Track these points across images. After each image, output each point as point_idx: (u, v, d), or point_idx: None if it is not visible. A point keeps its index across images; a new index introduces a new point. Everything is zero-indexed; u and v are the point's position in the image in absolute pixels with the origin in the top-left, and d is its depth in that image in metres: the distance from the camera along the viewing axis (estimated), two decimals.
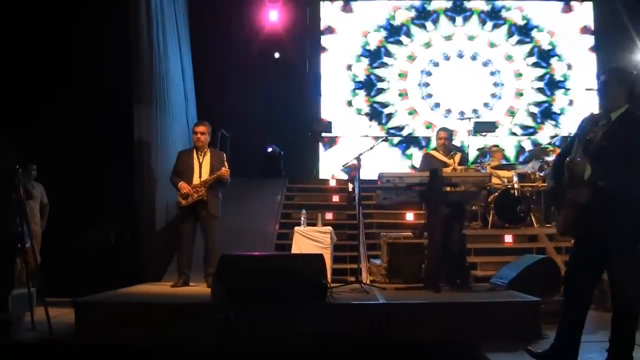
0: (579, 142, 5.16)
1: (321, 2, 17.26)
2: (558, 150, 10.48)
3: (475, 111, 16.83)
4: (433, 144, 12.75)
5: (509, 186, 11.93)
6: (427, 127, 16.82)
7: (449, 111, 16.97)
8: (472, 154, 13.25)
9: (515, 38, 17.44)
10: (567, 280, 5.34)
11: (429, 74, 17.24)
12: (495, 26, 17.43)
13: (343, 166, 10.41)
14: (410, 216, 12.24)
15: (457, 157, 9.18)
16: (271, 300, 6.72)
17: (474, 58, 17.31)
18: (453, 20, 17.47)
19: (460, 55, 17.31)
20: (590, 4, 17.66)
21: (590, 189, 4.99)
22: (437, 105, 17.08)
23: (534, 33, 17.50)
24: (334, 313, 6.89)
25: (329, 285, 7.18)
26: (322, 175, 15.91)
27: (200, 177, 9.20)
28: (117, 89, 10.25)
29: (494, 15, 17.52)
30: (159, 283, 9.69)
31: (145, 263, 10.10)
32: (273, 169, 15.24)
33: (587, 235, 5.13)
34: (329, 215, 12.06)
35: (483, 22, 17.46)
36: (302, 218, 10.18)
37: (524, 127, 17.06)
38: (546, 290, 7.94)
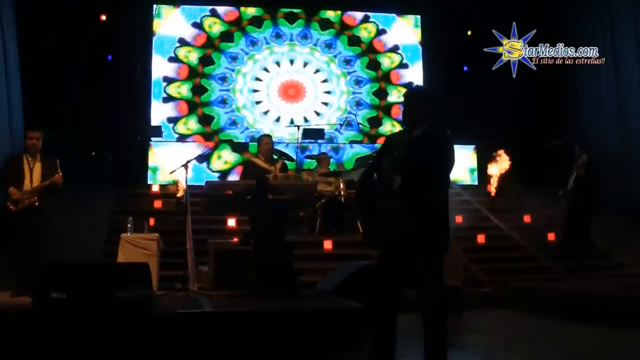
0: (385, 156, 5.39)
1: (155, 6, 17.03)
2: None
3: (306, 120, 17.04)
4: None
5: (336, 193, 12.16)
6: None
7: (278, 120, 17.11)
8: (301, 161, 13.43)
9: (346, 47, 17.83)
10: (375, 290, 5.52)
11: (258, 79, 17.34)
12: (326, 33, 17.78)
13: (171, 173, 10.33)
14: (232, 222, 12.20)
15: (279, 164, 9.33)
16: (94, 311, 6.59)
17: (305, 64, 17.56)
18: (287, 26, 17.68)
19: (292, 61, 17.52)
20: (418, 17, 18.29)
21: (399, 200, 5.21)
22: (266, 112, 17.17)
23: (366, 43, 17.96)
24: (159, 323, 6.83)
25: (154, 294, 7.13)
26: (151, 181, 15.68)
27: (31, 183, 8.95)
28: None
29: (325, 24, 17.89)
30: None
31: None
32: (102, 175, 14.94)
33: (394, 245, 5.32)
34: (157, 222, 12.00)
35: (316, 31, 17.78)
36: (129, 225, 10.06)
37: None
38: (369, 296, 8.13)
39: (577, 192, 12.47)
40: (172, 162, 11.94)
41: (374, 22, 18.15)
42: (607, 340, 7.80)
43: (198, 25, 17.25)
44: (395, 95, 17.57)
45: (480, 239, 12.99)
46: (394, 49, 18.09)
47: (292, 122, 16.58)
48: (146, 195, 14.37)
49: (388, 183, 5.30)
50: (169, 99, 16.75)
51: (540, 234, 13.37)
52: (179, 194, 12.74)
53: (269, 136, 9.80)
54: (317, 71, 17.60)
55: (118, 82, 15.57)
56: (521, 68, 14.06)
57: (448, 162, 5.45)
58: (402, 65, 18.04)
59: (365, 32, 18.04)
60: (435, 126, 5.50)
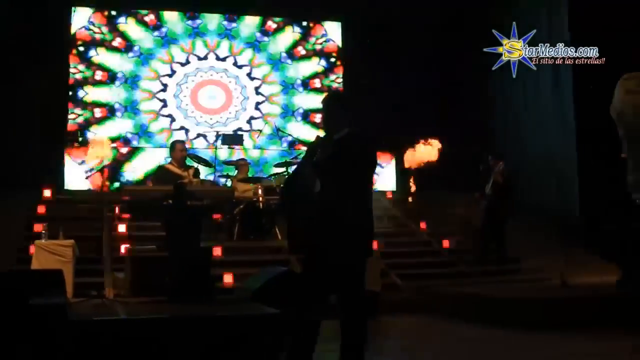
0: (307, 162, 5.40)
1: (74, 8, 16.76)
2: None
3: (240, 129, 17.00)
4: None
5: (255, 199, 12.16)
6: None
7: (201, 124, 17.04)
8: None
9: (267, 53, 17.85)
10: (299, 295, 5.51)
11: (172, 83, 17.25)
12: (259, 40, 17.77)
13: (86, 178, 10.21)
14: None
15: (192, 170, 9.31)
16: (6, 319, 6.45)
17: (229, 68, 17.52)
18: (207, 30, 17.62)
19: (213, 64, 17.46)
20: (339, 23, 18.39)
21: (318, 205, 5.23)
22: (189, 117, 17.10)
23: (284, 49, 18.00)
24: (74, 330, 6.72)
25: (68, 301, 7.02)
26: (69, 186, 15.42)
27: None
28: None
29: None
30: None
31: None
32: (15, 180, 14.61)
33: (315, 251, 5.33)
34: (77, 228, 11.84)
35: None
36: (44, 231, 9.90)
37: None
38: (287, 302, 8.13)
39: (494, 198, 12.68)
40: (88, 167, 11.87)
41: (296, 27, 18.20)
42: (516, 343, 7.99)
43: (116, 28, 17.06)
44: (317, 101, 17.64)
45: (398, 244, 13.11)
46: (316, 55, 18.17)
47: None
48: (65, 200, 14.13)
49: (309, 188, 5.31)
50: (86, 102, 16.52)
51: (457, 239, 13.54)
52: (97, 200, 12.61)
53: (182, 142, 9.77)
54: (249, 75, 17.64)
55: (34, 85, 15.25)
56: (448, 74, 14.20)
57: (369, 164, 5.47)
58: (325, 71, 18.12)
59: (286, 37, 18.07)
60: (356, 129, 5.49)
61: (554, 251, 11.96)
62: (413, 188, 14.91)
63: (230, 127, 16.85)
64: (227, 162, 13.99)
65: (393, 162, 17.00)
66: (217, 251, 11.05)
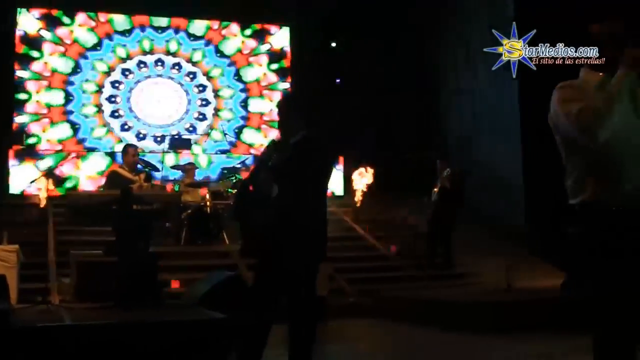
0: (263, 166, 5.40)
1: (20, 9, 16.55)
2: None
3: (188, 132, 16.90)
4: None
5: (202, 203, 12.11)
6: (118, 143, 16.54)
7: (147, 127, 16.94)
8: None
9: (216, 57, 17.81)
10: (252, 299, 5.50)
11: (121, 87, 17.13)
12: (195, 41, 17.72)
13: (31, 182, 10.09)
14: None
15: (143, 174, 9.25)
16: None
17: (177, 71, 17.45)
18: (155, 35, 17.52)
19: (161, 66, 17.36)
20: (287, 28, 18.41)
21: (274, 209, 5.23)
22: (131, 120, 16.98)
23: (232, 53, 17.98)
24: (17, 337, 6.64)
25: (12, 307, 6.94)
26: (13, 190, 15.19)
27: None
28: None
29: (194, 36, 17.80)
30: None
31: None
32: None
33: (269, 254, 5.33)
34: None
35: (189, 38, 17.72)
36: None
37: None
38: (234, 307, 8.12)
39: (441, 203, 12.77)
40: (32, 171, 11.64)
41: (245, 33, 18.19)
42: (463, 346, 8.08)
43: (64, 30, 16.88)
44: (264, 105, 17.68)
45: (345, 248, 13.14)
46: (265, 60, 18.17)
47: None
48: (8, 205, 13.93)
49: (265, 193, 5.30)
50: (31, 105, 16.33)
51: (404, 244, 13.62)
52: (42, 204, 12.47)
53: (134, 146, 9.69)
54: (191, 79, 17.56)
55: None
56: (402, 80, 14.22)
57: (325, 168, 5.48)
58: (272, 75, 18.14)
59: (235, 42, 18.04)
60: (313, 132, 5.47)
61: (499, 255, 12.11)
62: (361, 193, 14.97)
63: (177, 130, 16.80)
64: (175, 167, 13.92)
65: (341, 166, 17.07)
66: (164, 256, 11.00)
